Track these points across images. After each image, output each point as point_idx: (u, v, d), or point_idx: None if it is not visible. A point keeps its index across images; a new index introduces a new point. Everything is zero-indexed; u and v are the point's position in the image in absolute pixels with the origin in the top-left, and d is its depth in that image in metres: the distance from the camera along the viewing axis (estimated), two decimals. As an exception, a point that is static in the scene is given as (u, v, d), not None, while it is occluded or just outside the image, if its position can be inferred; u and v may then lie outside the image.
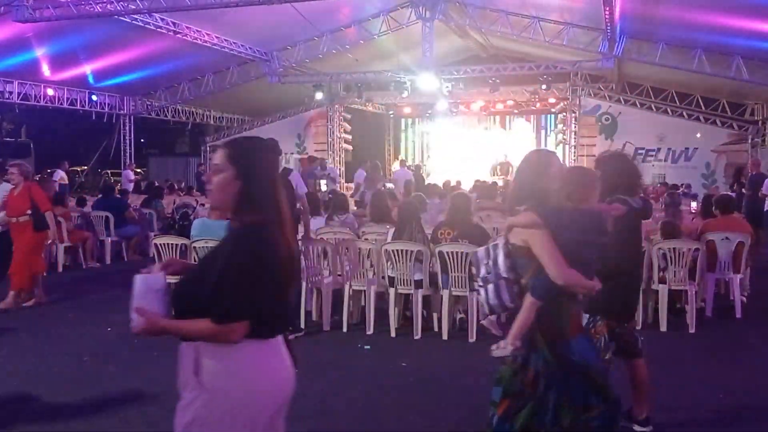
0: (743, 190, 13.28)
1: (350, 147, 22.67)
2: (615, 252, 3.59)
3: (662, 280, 6.66)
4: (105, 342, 6.45)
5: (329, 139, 21.92)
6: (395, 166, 22.76)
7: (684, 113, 19.41)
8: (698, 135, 19.10)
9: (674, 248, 6.58)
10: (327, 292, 6.85)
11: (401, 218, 6.93)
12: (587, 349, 3.20)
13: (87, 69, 17.55)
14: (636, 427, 4.15)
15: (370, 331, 6.58)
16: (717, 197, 8.35)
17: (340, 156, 21.97)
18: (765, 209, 13.01)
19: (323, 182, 15.38)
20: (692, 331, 6.52)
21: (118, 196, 12.98)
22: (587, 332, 3.77)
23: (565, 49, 16.67)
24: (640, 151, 19.50)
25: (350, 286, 6.79)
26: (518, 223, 3.10)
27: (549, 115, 23.27)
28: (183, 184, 19.47)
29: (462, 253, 6.22)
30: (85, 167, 29.76)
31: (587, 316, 3.88)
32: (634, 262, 4.23)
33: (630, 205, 3.89)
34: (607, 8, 12.48)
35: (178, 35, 15.07)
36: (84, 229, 11.17)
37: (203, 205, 14.28)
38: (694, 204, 12.53)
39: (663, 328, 6.57)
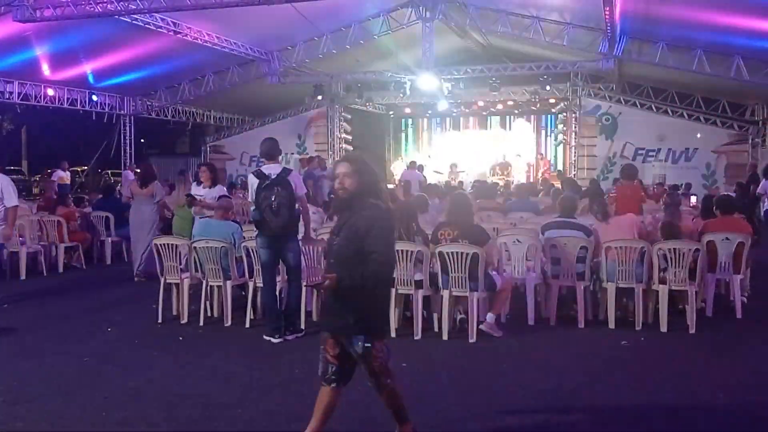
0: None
1: (350, 147, 22.69)
2: (390, 257, 3.69)
3: (662, 281, 6.66)
4: (105, 342, 6.45)
5: (329, 139, 21.93)
6: (395, 166, 22.80)
7: (684, 113, 19.41)
8: (698, 135, 19.11)
9: (674, 249, 6.58)
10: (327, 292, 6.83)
11: (396, 219, 6.93)
12: None
13: (87, 69, 17.57)
14: None
15: (370, 332, 6.57)
16: (717, 197, 8.35)
17: (340, 156, 21.96)
18: (765, 208, 13.06)
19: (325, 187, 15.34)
20: (692, 331, 6.51)
21: (119, 196, 12.96)
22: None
23: (565, 49, 16.68)
24: (640, 152, 19.51)
25: (350, 286, 6.78)
26: None
27: (549, 115, 23.29)
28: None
29: (462, 253, 6.22)
30: (86, 167, 29.78)
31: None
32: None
33: (381, 207, 3.71)
34: (607, 8, 12.49)
35: (178, 35, 15.07)
36: (83, 230, 11.18)
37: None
38: (694, 198, 12.53)
39: (663, 328, 6.57)
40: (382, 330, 3.82)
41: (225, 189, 9.02)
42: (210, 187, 8.48)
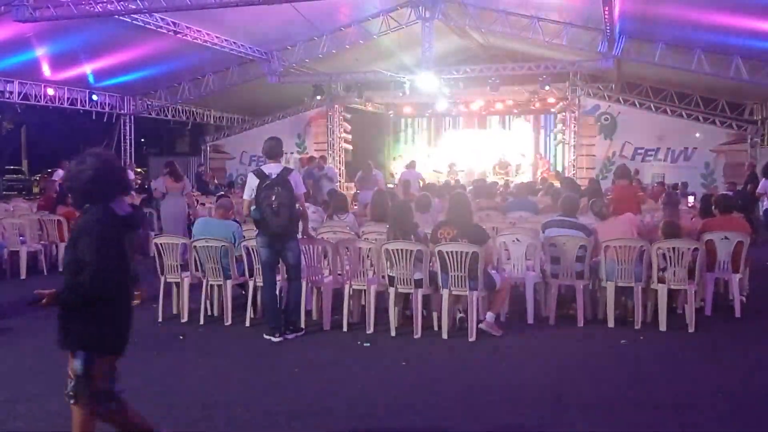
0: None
1: (350, 147, 22.69)
2: (103, 269, 3.15)
3: (661, 280, 6.68)
4: (105, 341, 6.45)
5: (329, 139, 21.94)
6: (394, 166, 22.81)
7: (683, 113, 19.42)
8: (697, 135, 19.11)
9: (674, 248, 6.60)
10: (327, 291, 6.86)
11: (390, 219, 6.96)
12: None
13: (87, 69, 17.56)
14: None
15: (370, 331, 6.59)
16: (716, 197, 8.37)
17: (340, 156, 21.99)
18: (764, 208, 13.09)
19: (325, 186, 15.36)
20: (691, 330, 6.53)
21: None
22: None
23: (564, 48, 16.68)
24: (639, 151, 19.51)
25: (350, 285, 6.81)
26: None
27: (548, 115, 23.29)
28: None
29: (462, 252, 6.24)
30: (85, 167, 29.72)
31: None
32: (121, 281, 3.41)
33: (114, 212, 3.29)
34: (607, 8, 12.49)
35: (178, 35, 15.07)
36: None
37: (203, 204, 14.33)
38: (691, 198, 12.57)
39: (662, 327, 6.59)
40: (107, 348, 3.39)
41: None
42: None
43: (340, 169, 21.06)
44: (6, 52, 15.10)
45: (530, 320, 6.93)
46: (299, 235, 6.68)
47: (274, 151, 6.58)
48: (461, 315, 6.72)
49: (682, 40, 14.76)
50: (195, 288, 7.22)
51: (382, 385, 5.22)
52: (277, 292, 6.67)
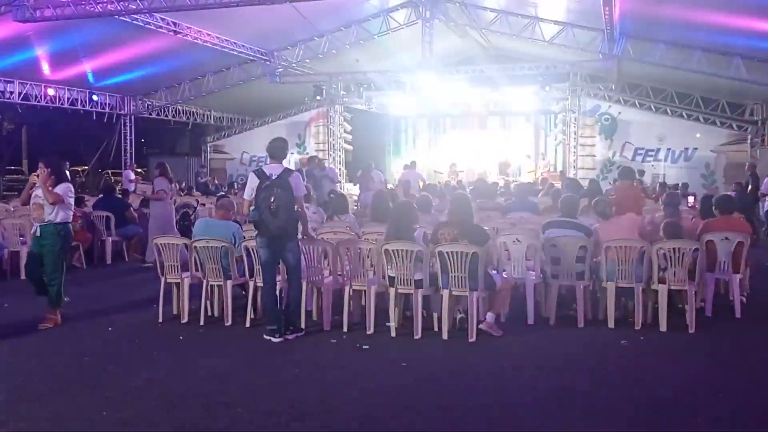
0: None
1: (350, 147, 22.70)
2: None
3: (662, 281, 6.67)
4: (105, 342, 6.46)
5: (329, 139, 21.94)
6: (395, 166, 22.82)
7: (683, 113, 19.43)
8: (698, 135, 19.13)
9: (674, 248, 6.59)
10: (327, 291, 6.86)
11: (390, 220, 6.95)
12: None
13: (87, 69, 17.58)
14: None
15: (370, 331, 6.59)
16: (717, 197, 8.37)
17: (340, 156, 21.99)
18: (765, 209, 13.10)
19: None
20: (692, 331, 6.52)
21: (119, 196, 13.00)
22: None
23: (564, 49, 16.69)
24: (639, 151, 19.53)
25: (351, 286, 6.81)
26: None
27: (549, 115, 23.28)
28: (183, 184, 19.47)
29: (462, 253, 6.24)
30: (86, 167, 29.82)
31: None
32: None
33: None
34: (607, 8, 12.50)
35: (179, 35, 15.09)
36: (84, 230, 11.19)
37: (203, 205, 14.34)
38: (691, 199, 12.61)
39: (663, 328, 6.58)
40: None
41: (71, 187, 7.38)
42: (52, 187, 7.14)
43: (340, 169, 21.05)
44: (6, 52, 15.12)
45: (530, 321, 6.93)
46: (299, 236, 6.67)
47: (277, 151, 6.58)
48: (461, 315, 6.71)
49: (682, 40, 14.77)
50: (195, 288, 7.22)
51: (382, 385, 5.21)
52: (278, 293, 6.67)
